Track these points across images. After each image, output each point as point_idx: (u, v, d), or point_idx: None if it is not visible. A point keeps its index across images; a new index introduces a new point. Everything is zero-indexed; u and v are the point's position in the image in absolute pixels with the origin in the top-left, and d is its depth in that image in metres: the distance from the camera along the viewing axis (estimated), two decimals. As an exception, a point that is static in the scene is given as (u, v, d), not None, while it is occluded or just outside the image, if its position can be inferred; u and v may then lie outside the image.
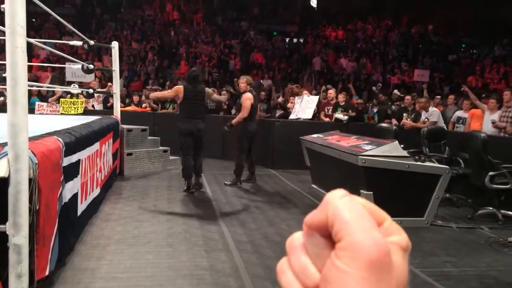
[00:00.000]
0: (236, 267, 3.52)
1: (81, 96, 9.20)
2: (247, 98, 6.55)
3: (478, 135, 5.39)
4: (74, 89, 9.04)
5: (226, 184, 6.78)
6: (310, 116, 8.60)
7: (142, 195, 5.84)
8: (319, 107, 9.10)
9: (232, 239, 4.19)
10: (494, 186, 5.10)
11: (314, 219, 0.32)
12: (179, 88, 6.12)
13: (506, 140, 6.27)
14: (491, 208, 5.29)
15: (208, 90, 6.50)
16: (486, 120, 7.31)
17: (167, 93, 6.73)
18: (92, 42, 6.86)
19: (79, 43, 6.98)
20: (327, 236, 0.31)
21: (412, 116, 8.03)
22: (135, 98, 10.46)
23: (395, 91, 10.63)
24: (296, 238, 0.34)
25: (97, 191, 5.01)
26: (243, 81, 6.70)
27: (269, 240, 4.21)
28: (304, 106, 8.82)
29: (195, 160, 6.16)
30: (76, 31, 6.37)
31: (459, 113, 8.02)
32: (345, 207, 0.31)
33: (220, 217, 4.95)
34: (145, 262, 3.53)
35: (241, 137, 6.71)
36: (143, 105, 10.21)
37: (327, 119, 8.91)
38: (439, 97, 9.96)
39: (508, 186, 5.04)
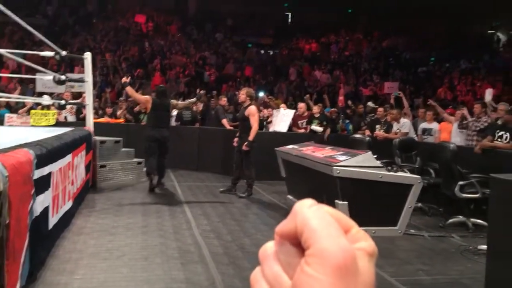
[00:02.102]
0: (212, 280, 3.50)
1: (53, 107, 9.02)
2: (255, 111, 6.68)
3: (447, 146, 5.54)
4: (45, 100, 8.87)
5: (240, 196, 6.78)
6: (285, 130, 8.70)
7: (116, 208, 5.74)
8: (293, 119, 9.20)
9: (208, 251, 4.16)
10: (464, 195, 5.24)
11: (284, 228, 0.33)
12: (149, 99, 6.90)
13: (472, 150, 6.47)
14: (461, 216, 5.43)
15: (173, 101, 7.22)
16: (454, 131, 7.55)
17: (138, 96, 7.22)
18: (64, 53, 6.76)
19: (50, 53, 6.86)
20: (298, 245, 0.32)
21: (385, 127, 8.20)
22: (108, 110, 10.32)
23: (369, 102, 10.83)
24: (269, 248, 0.35)
25: (69, 204, 4.90)
26: (243, 93, 6.83)
27: (245, 251, 4.20)
28: (280, 119, 8.91)
29: (159, 162, 6.79)
30: (48, 42, 6.27)
31: (424, 125, 8.23)
32: (313, 216, 0.32)
33: (196, 229, 4.91)
34: (119, 276, 3.46)
35: (250, 151, 6.72)
36: (118, 112, 10.06)
37: (301, 131, 8.99)
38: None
39: (477, 195, 5.19)
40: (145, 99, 6.93)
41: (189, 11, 20.75)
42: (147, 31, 18.48)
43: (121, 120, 9.98)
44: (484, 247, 2.83)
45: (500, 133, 6.20)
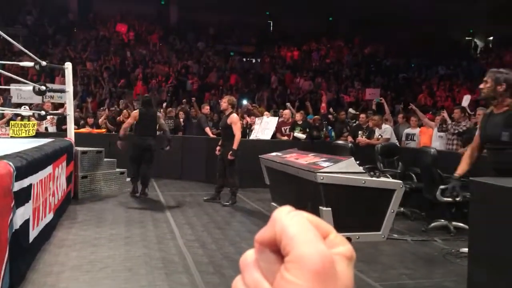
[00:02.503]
0: (197, 289, 3.47)
1: (33, 118, 8.88)
2: (238, 120, 6.73)
3: (428, 150, 5.63)
4: (25, 111, 8.73)
5: (224, 204, 6.77)
6: (268, 137, 8.73)
7: (98, 219, 5.66)
8: (276, 127, 9.25)
9: (192, 261, 4.13)
10: (445, 199, 5.32)
11: (263, 235, 0.34)
12: (135, 113, 7.20)
13: (455, 155, 6.57)
14: (443, 220, 5.51)
15: (159, 114, 7.58)
16: (434, 136, 7.67)
17: (128, 122, 7.33)
18: (44, 63, 6.68)
19: (30, 64, 6.78)
20: (277, 252, 0.33)
21: (367, 133, 8.29)
22: (90, 120, 10.21)
23: (350, 109, 10.95)
24: (249, 256, 0.35)
25: (50, 216, 4.81)
26: (225, 101, 6.84)
27: (230, 260, 4.18)
28: (263, 127, 8.94)
29: (142, 171, 7.11)
30: (27, 52, 6.19)
31: (407, 130, 8.36)
32: (291, 223, 0.32)
33: (180, 238, 4.87)
34: (102, 288, 3.41)
35: (235, 159, 6.71)
36: (99, 120, 9.95)
37: (285, 138, 9.04)
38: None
39: (458, 199, 5.27)
40: (133, 117, 7.16)
41: (170, 20, 20.73)
42: (128, 41, 18.38)
43: (103, 130, 9.88)
44: (466, 250, 2.87)
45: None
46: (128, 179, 7.70)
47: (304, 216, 0.33)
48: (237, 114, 6.99)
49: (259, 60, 19.24)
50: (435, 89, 16.73)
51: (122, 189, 7.66)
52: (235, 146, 6.61)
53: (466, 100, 8.77)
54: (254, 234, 0.35)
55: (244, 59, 19.19)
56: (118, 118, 10.30)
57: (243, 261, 0.35)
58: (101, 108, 11.90)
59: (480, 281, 2.63)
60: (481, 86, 3.29)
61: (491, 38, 22.00)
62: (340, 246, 0.34)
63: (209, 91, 15.25)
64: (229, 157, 6.64)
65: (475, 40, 22.89)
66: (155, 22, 20.11)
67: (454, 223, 5.39)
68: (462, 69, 18.89)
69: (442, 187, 5.33)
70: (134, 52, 17.42)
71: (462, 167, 3.43)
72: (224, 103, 6.85)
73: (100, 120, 10.11)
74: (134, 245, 4.58)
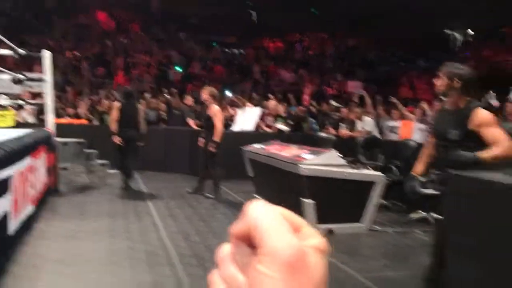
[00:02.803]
0: (180, 282, 3.48)
1: (11, 108, 8.69)
2: (219, 111, 6.61)
3: (408, 143, 5.72)
4: (2, 99, 8.52)
5: (207, 196, 6.74)
6: (251, 128, 8.72)
7: (80, 211, 5.60)
8: (261, 117, 9.26)
9: (176, 253, 4.13)
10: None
11: (237, 229, 0.35)
12: (117, 105, 7.22)
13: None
14: (423, 212, 5.62)
15: (140, 107, 7.49)
16: (415, 129, 7.80)
17: (113, 114, 7.17)
18: (22, 52, 6.53)
19: (8, 52, 6.61)
20: (252, 245, 0.34)
21: (349, 126, 8.37)
22: (70, 110, 10.05)
23: (332, 101, 11.02)
24: (225, 249, 0.36)
25: (30, 208, 4.74)
26: (206, 92, 6.73)
27: (214, 252, 4.16)
28: (246, 118, 8.93)
29: (128, 161, 7.10)
30: (5, 40, 6.04)
31: (389, 123, 8.48)
32: (264, 217, 0.33)
33: (164, 231, 4.87)
34: (86, 282, 3.39)
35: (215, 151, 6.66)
36: (79, 110, 9.78)
37: (268, 129, 9.06)
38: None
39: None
40: (116, 109, 7.12)
41: (152, 10, 20.43)
42: (109, 29, 18.07)
43: (84, 121, 9.74)
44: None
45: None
46: (112, 171, 7.64)
47: (276, 210, 0.35)
48: (222, 105, 6.95)
49: (242, 51, 19.16)
50: (415, 82, 16.96)
51: (104, 181, 7.59)
52: (216, 138, 6.57)
53: None
54: None
55: (227, 50, 19.09)
56: (98, 108, 10.16)
57: (219, 255, 0.36)
58: (81, 98, 11.70)
59: (457, 270, 2.70)
60: (435, 81, 3.21)
61: (471, 32, 22.32)
62: (313, 239, 0.35)
63: (191, 82, 15.14)
64: (210, 149, 6.62)
65: (455, 33, 23.21)
66: (136, 11, 19.80)
67: (433, 214, 5.50)
68: (442, 63, 19.13)
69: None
70: (115, 41, 17.15)
71: (420, 166, 3.39)
72: (204, 94, 6.76)
73: (80, 111, 9.95)
74: (117, 238, 4.55)
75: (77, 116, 9.97)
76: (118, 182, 7.40)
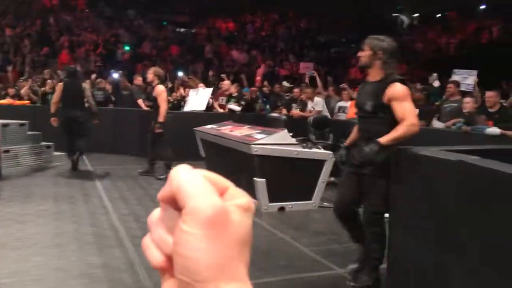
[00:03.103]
0: (131, 263, 3.45)
1: None
2: (163, 91, 6.52)
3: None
4: None
5: (158, 177, 6.63)
6: (203, 108, 8.66)
7: (24, 195, 5.39)
8: (214, 97, 9.22)
9: (126, 234, 4.08)
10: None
11: (163, 194, 0.36)
12: (60, 85, 7.02)
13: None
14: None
15: (85, 86, 7.22)
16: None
17: (55, 96, 6.99)
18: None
19: None
20: (178, 208, 0.35)
21: (300, 106, 8.49)
22: (11, 90, 9.53)
23: (284, 82, 11.10)
24: (155, 214, 0.38)
25: (-31, 193, 4.51)
26: (151, 72, 6.70)
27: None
28: (198, 99, 8.85)
29: (76, 141, 6.87)
30: None
31: (340, 103, 8.68)
32: (186, 179, 0.35)
33: (113, 213, 4.78)
34: (31, 265, 3.29)
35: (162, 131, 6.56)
36: (22, 91, 9.28)
37: (220, 110, 9.03)
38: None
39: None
40: (59, 90, 6.93)
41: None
42: (51, 6, 17.16)
43: (26, 102, 9.28)
44: (387, 215, 3.10)
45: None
46: (58, 153, 7.39)
47: (199, 173, 0.36)
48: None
49: (193, 31, 18.81)
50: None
51: (49, 163, 7.31)
52: (160, 119, 6.48)
53: None
54: None
55: (178, 29, 18.68)
56: (42, 89, 9.71)
57: (150, 219, 0.38)
58: (22, 78, 11.11)
59: (399, 242, 2.85)
60: (360, 53, 3.15)
61: (416, 15, 23.05)
62: (238, 199, 0.37)
63: (141, 62, 14.73)
64: (155, 130, 6.53)
65: (402, 16, 23.89)
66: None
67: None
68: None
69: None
70: (59, 18, 16.33)
71: (352, 137, 3.38)
72: (150, 74, 6.71)
73: (23, 91, 9.46)
74: (64, 221, 4.43)
75: (18, 97, 9.48)
76: (65, 164, 7.17)
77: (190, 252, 0.33)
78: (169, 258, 0.35)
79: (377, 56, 3.03)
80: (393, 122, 2.95)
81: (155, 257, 0.36)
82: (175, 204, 0.35)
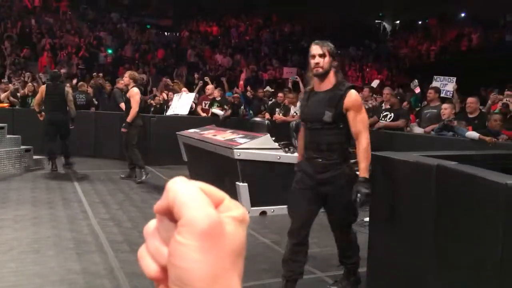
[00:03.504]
0: (111, 268, 3.41)
1: None
2: (136, 93, 6.52)
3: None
4: None
5: (137, 181, 6.61)
6: (186, 112, 8.64)
7: (1, 199, 5.28)
8: (197, 101, 9.20)
9: (106, 240, 4.03)
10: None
11: (159, 205, 0.37)
12: (43, 88, 7.14)
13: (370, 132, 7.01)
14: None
15: (68, 90, 7.39)
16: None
17: (37, 98, 7.19)
18: None
19: None
20: (174, 219, 0.36)
21: (283, 111, 8.52)
22: (-10, 93, 9.36)
23: (267, 87, 11.14)
24: (151, 225, 0.38)
25: None
26: (126, 76, 6.77)
27: (146, 237, 4.14)
28: (181, 103, 8.82)
29: (63, 144, 7.15)
30: None
31: None
32: (182, 191, 0.35)
33: (94, 218, 4.72)
34: (7, 271, 3.22)
35: (132, 132, 6.60)
36: (2, 96, 9.15)
37: (204, 114, 9.01)
38: None
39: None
40: (41, 92, 7.08)
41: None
42: (33, 7, 16.91)
43: (5, 105, 9.11)
44: (367, 219, 3.13)
45: (385, 113, 6.79)
46: (38, 156, 7.28)
47: (194, 185, 0.37)
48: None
49: (176, 34, 18.76)
50: (346, 69, 17.56)
51: (28, 168, 7.18)
52: (128, 119, 6.53)
53: (375, 83, 9.45)
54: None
55: (161, 33, 18.61)
56: (22, 91, 9.56)
57: (146, 230, 0.38)
58: (3, 80, 10.91)
59: (379, 245, 2.88)
60: (318, 60, 2.79)
61: (398, 22, 23.43)
62: (233, 210, 0.37)
63: (123, 65, 14.62)
64: (122, 129, 6.60)
65: (384, 23, 24.25)
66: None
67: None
68: (371, 51, 19.97)
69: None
70: (40, 20, 16.10)
71: (301, 152, 3.06)
72: (125, 77, 6.81)
73: (3, 96, 9.27)
74: (42, 226, 4.35)
75: (-3, 99, 9.31)
76: (44, 168, 7.06)
77: (185, 263, 0.33)
78: (164, 269, 0.36)
79: (333, 63, 2.83)
80: (348, 132, 2.80)
81: (150, 267, 0.36)
82: (171, 216, 0.36)
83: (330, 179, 2.82)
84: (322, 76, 2.82)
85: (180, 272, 0.34)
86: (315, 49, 2.85)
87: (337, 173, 2.81)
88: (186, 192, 0.35)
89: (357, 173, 2.82)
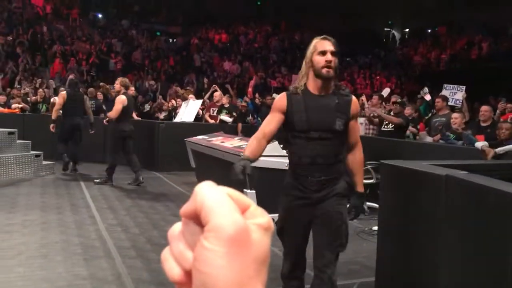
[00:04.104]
0: (118, 274, 3.41)
1: None
2: (119, 101, 6.61)
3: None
4: None
5: (95, 182, 6.78)
6: (191, 119, 8.66)
7: (10, 204, 5.32)
8: (205, 108, 9.23)
9: (114, 245, 4.04)
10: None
11: (186, 209, 0.37)
12: (63, 94, 7.46)
13: (369, 139, 6.99)
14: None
15: (85, 97, 7.98)
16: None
17: (58, 103, 7.43)
18: None
19: None
20: (200, 223, 0.36)
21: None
22: (2, 98, 9.47)
23: (274, 94, 11.15)
24: (176, 228, 0.38)
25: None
26: (117, 82, 6.89)
27: (154, 244, 4.15)
28: (188, 110, 8.86)
29: (71, 149, 7.48)
30: None
31: None
32: (210, 196, 0.36)
33: (101, 223, 4.73)
34: (15, 276, 3.24)
35: (114, 137, 6.77)
36: (13, 106, 9.26)
37: (212, 121, 9.03)
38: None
39: (372, 181, 5.62)
40: (62, 98, 7.37)
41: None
42: (44, 14, 17.13)
43: (16, 110, 9.21)
44: (377, 228, 3.11)
45: (387, 122, 6.76)
46: (47, 162, 7.36)
47: (223, 190, 0.37)
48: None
49: (186, 41, 18.88)
50: (355, 76, 17.54)
51: (37, 173, 7.24)
52: (107, 117, 6.91)
53: (385, 92, 9.44)
54: (179, 218, 0.38)
55: (171, 40, 18.75)
56: (33, 98, 9.66)
57: (171, 233, 0.38)
58: (17, 86, 10.99)
59: (387, 255, 2.85)
60: (331, 58, 2.33)
61: (407, 30, 23.38)
62: (258, 218, 0.37)
63: (133, 72, 14.73)
64: (104, 122, 7.15)
65: (393, 31, 24.22)
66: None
67: (368, 203, 5.73)
68: (380, 59, 19.93)
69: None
70: (51, 27, 16.31)
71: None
72: (117, 84, 6.93)
73: (14, 105, 9.32)
74: (51, 231, 4.37)
75: (8, 105, 9.41)
76: (53, 173, 7.11)
77: (210, 268, 0.33)
78: (187, 273, 0.36)
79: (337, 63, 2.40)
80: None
81: (174, 271, 0.36)
82: (197, 220, 0.36)
83: (327, 196, 2.40)
84: (331, 79, 2.38)
85: (205, 277, 0.33)
86: (328, 45, 2.36)
87: (334, 188, 2.41)
88: (214, 198, 0.35)
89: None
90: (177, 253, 0.36)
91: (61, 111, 7.41)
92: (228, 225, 0.34)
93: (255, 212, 0.37)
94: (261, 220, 0.37)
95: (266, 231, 0.37)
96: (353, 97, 2.48)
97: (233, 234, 0.34)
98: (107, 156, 7.35)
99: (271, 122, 2.50)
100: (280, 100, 2.50)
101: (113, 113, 6.59)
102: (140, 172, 6.86)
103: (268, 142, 2.58)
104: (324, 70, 2.34)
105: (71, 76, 8.62)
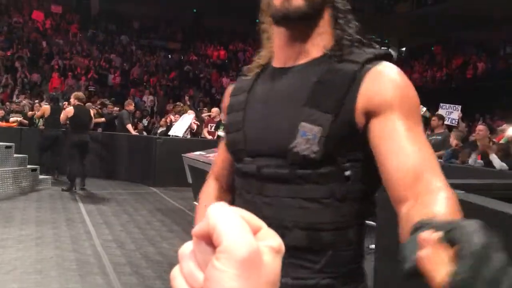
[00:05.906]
0: (113, 290, 3.37)
1: None
2: (68, 111, 7.20)
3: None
4: None
5: (63, 189, 7.16)
6: (180, 134, 8.64)
7: (5, 219, 5.28)
8: (203, 124, 9.26)
9: (109, 261, 4.00)
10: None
11: (199, 229, 0.37)
12: (70, 110, 7.33)
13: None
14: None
15: (92, 112, 7.99)
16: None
17: (65, 114, 7.40)
18: None
19: None
20: (212, 244, 0.35)
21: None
22: (0, 112, 9.48)
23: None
24: (187, 247, 0.38)
25: (-51, 216, 4.41)
26: (73, 97, 7.48)
27: (149, 260, 4.11)
28: (180, 124, 8.88)
29: (79, 166, 7.34)
30: None
31: None
32: (223, 217, 0.35)
33: (97, 239, 4.70)
34: (8, 293, 3.20)
35: (67, 145, 7.43)
36: (11, 120, 9.26)
37: (210, 137, 9.05)
38: None
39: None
40: (69, 113, 7.32)
41: (91, 11, 19.81)
42: (44, 29, 17.26)
43: (13, 124, 9.20)
44: (374, 246, 3.09)
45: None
46: (44, 176, 7.30)
47: (235, 211, 0.37)
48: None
49: (185, 57, 19.03)
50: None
51: (34, 187, 7.21)
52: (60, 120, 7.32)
53: None
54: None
55: (170, 56, 18.89)
56: (30, 112, 9.67)
57: (181, 252, 0.38)
58: (16, 100, 11.02)
59: (384, 274, 2.84)
60: None
61: (404, 49, 23.65)
62: (270, 239, 0.37)
63: (132, 87, 14.80)
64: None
65: (390, 50, 24.46)
66: (75, 12, 19.10)
67: (366, 221, 5.73)
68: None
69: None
70: (51, 42, 16.42)
71: None
72: (72, 98, 7.44)
73: (12, 119, 9.32)
74: (46, 246, 4.33)
75: (6, 119, 9.41)
76: (49, 188, 7.08)
77: None
78: None
79: None
80: None
81: None
82: (209, 240, 0.36)
83: None
84: (304, 19, 1.18)
85: None
86: None
87: None
88: (227, 219, 0.35)
89: None
90: (187, 273, 0.36)
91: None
92: (241, 247, 0.34)
93: (266, 234, 0.37)
94: (272, 242, 0.37)
95: (278, 253, 0.37)
96: (377, 68, 0.98)
97: (246, 256, 0.34)
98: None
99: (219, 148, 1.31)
100: (224, 96, 1.27)
101: (61, 116, 7.22)
102: (74, 183, 7.25)
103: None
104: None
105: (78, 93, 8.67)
